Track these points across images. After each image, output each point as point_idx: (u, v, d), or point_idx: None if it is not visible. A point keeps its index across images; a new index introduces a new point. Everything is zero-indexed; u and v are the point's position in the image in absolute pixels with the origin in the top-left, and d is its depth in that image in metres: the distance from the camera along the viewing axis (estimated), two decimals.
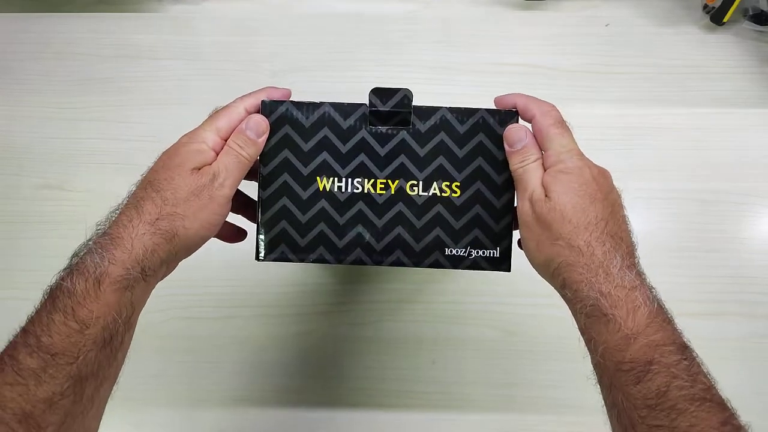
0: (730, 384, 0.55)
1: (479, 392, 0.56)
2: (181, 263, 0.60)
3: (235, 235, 0.44)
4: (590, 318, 0.33)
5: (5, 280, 0.59)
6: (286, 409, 0.55)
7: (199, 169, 0.36)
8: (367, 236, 0.40)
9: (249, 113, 0.39)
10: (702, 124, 0.64)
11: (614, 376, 0.32)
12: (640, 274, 0.34)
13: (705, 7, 0.67)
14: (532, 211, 0.36)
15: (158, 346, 0.57)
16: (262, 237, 0.41)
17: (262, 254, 0.41)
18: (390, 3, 0.70)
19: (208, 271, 0.59)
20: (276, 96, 0.41)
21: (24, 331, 0.32)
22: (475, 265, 0.40)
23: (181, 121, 0.65)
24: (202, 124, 0.39)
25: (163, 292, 0.58)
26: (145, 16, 0.70)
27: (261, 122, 0.39)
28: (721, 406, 0.30)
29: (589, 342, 0.34)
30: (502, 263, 0.40)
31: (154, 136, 0.64)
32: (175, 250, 0.35)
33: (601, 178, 0.37)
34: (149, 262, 0.33)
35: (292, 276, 0.59)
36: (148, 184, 0.36)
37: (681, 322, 0.57)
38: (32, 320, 0.32)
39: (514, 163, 0.38)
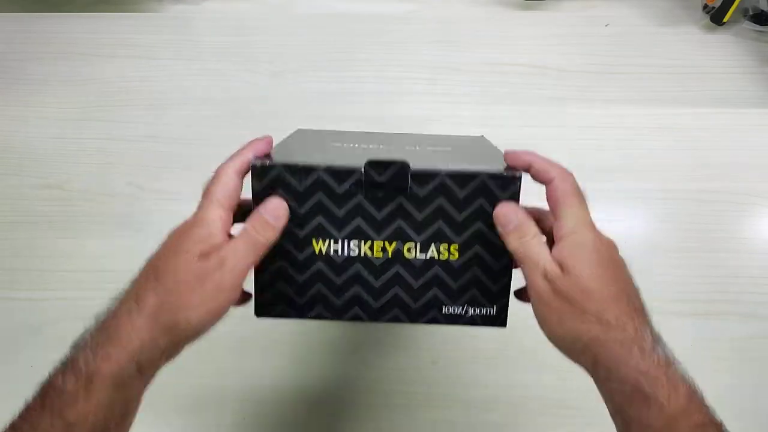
0: (730, 384, 0.55)
1: (479, 393, 0.55)
2: None
3: (239, 300, 0.41)
4: (628, 398, 0.32)
5: (5, 280, 0.59)
6: (285, 408, 0.55)
7: (208, 254, 0.34)
8: (365, 296, 0.40)
9: (241, 176, 0.37)
10: (702, 124, 0.64)
11: None
12: (665, 348, 0.33)
13: (705, 7, 0.67)
14: (550, 289, 0.34)
15: None
16: (260, 297, 0.40)
17: (261, 312, 0.41)
18: (390, 3, 0.70)
19: None
20: (261, 148, 0.39)
21: (12, 427, 0.30)
22: (472, 321, 0.40)
23: (181, 121, 0.65)
24: (201, 202, 0.36)
25: None
26: (145, 16, 0.70)
27: (279, 206, 0.37)
28: None
29: (625, 425, 0.32)
30: (499, 320, 0.40)
31: (154, 136, 0.64)
32: (177, 340, 0.34)
33: (614, 251, 0.36)
34: (147, 355, 0.32)
35: None
36: (151, 271, 0.34)
37: (681, 323, 0.57)
38: (22, 417, 0.31)
39: (512, 242, 0.36)
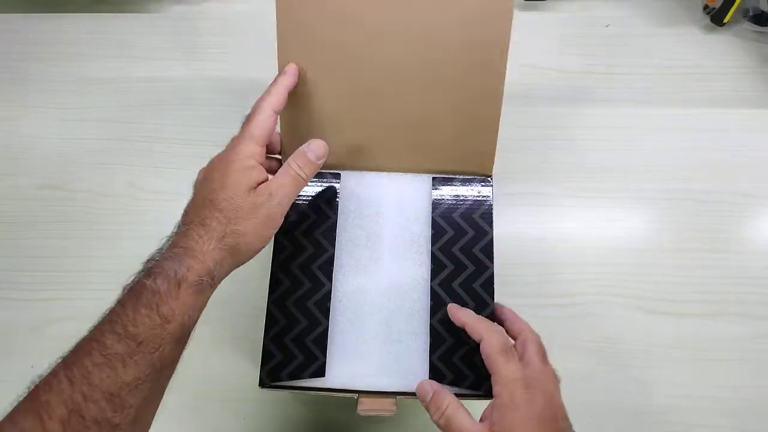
0: (730, 384, 0.55)
1: None
2: None
3: None
4: None
5: (5, 280, 0.59)
6: (285, 407, 0.55)
7: (255, 187, 0.39)
8: None
9: (276, 113, 0.42)
10: (702, 124, 0.64)
11: None
12: None
13: (705, 7, 0.67)
14: None
15: None
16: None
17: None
18: None
19: None
20: (290, 83, 0.44)
21: (110, 320, 0.35)
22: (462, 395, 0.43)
23: (181, 121, 0.65)
24: (239, 136, 0.41)
25: None
26: (145, 16, 0.70)
27: (321, 146, 0.42)
28: None
29: None
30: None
31: (154, 136, 0.64)
32: (238, 261, 0.39)
33: (549, 408, 0.37)
34: (217, 272, 0.37)
35: None
36: (210, 204, 0.38)
37: (681, 323, 0.57)
38: (116, 312, 0.35)
39: (434, 415, 0.39)
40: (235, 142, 0.41)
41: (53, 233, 0.61)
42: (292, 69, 0.44)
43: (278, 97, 0.42)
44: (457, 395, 0.43)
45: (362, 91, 0.47)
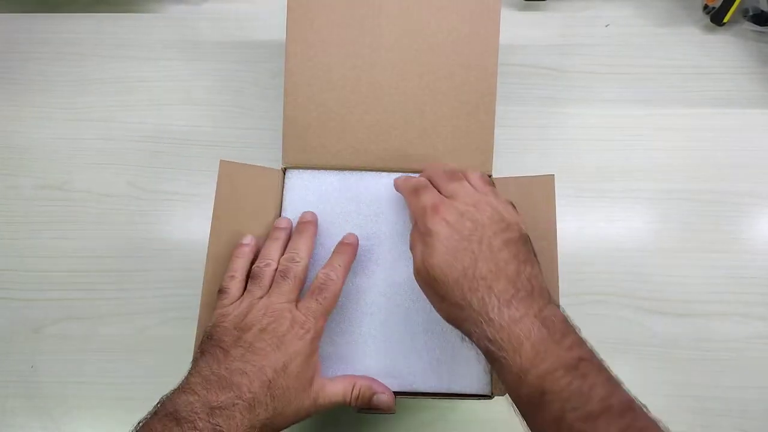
0: (730, 385, 0.55)
1: None
2: (179, 263, 0.60)
3: None
4: (491, 364, 0.35)
5: (5, 280, 0.59)
6: None
7: (312, 392, 0.39)
8: None
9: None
10: (702, 124, 0.64)
11: (519, 409, 0.33)
12: (523, 300, 0.34)
13: (705, 7, 0.67)
14: (421, 281, 0.38)
15: (158, 346, 0.57)
16: None
17: None
18: None
19: None
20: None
21: None
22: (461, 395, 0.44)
23: (181, 121, 0.65)
24: (315, 329, 0.40)
25: (162, 292, 0.58)
26: (145, 16, 0.70)
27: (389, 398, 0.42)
28: (620, 413, 0.30)
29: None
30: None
31: (154, 136, 0.64)
32: None
33: (460, 223, 0.37)
34: None
35: None
36: (269, 386, 0.37)
37: (681, 322, 0.57)
38: None
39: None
40: (311, 331, 0.40)
41: (53, 233, 0.61)
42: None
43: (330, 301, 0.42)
44: (457, 395, 0.43)
45: (363, 92, 0.47)
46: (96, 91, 0.66)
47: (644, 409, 0.31)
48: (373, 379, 0.42)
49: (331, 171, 0.49)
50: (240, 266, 0.43)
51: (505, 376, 0.33)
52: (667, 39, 0.68)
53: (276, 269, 0.42)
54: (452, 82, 0.47)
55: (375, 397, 0.41)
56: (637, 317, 0.57)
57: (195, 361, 0.39)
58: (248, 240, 0.45)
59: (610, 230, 0.60)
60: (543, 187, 0.46)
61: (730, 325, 0.57)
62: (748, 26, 0.67)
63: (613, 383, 0.32)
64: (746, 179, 0.62)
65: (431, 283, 0.36)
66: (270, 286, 0.42)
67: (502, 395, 0.43)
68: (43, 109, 0.66)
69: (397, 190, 0.46)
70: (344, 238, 0.46)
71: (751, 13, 0.67)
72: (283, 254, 0.44)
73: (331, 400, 0.40)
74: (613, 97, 0.65)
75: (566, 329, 0.33)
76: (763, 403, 0.55)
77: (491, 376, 0.44)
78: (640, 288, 0.58)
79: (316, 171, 0.49)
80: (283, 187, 0.49)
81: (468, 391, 0.43)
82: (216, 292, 0.43)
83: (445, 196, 0.40)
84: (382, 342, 0.44)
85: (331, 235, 0.47)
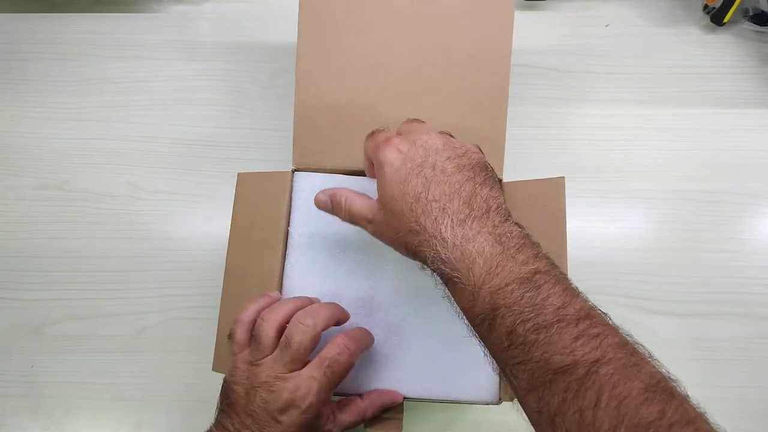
0: (730, 384, 0.55)
1: None
2: (179, 263, 0.60)
3: None
4: (445, 286, 0.34)
5: (5, 280, 0.59)
6: None
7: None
8: None
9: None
10: (702, 124, 0.64)
11: (476, 331, 0.32)
12: (478, 219, 0.33)
13: (705, 7, 0.67)
14: (376, 229, 0.38)
15: (158, 346, 0.57)
16: None
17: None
18: None
19: (208, 272, 0.59)
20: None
21: None
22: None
23: (181, 121, 0.65)
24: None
25: (162, 292, 0.58)
26: (145, 16, 0.70)
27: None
28: (575, 321, 0.29)
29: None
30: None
31: (154, 136, 0.64)
32: None
33: (413, 151, 0.35)
34: None
35: None
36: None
37: (681, 323, 0.57)
38: None
39: (339, 214, 0.40)
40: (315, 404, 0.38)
41: (53, 233, 0.61)
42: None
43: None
44: (460, 401, 0.43)
45: (374, 94, 0.47)
46: (96, 91, 0.66)
47: (604, 317, 0.31)
48: (377, 395, 0.42)
49: (340, 174, 0.48)
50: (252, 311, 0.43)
51: (459, 297, 0.32)
52: (667, 39, 0.68)
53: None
54: (464, 85, 0.47)
55: (384, 401, 0.41)
56: (637, 317, 0.57)
57: (217, 416, 0.41)
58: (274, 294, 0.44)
59: (610, 230, 0.60)
60: (553, 189, 0.45)
61: (730, 325, 0.57)
62: (748, 26, 0.67)
63: (570, 293, 0.31)
64: (746, 179, 0.62)
65: (389, 221, 0.35)
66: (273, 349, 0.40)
67: (510, 401, 0.43)
68: (43, 109, 0.66)
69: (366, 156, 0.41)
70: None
71: (751, 13, 0.67)
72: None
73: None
74: (613, 97, 0.65)
75: (522, 244, 0.32)
76: (763, 403, 0.55)
77: (499, 384, 0.43)
78: (640, 288, 0.58)
79: (326, 174, 0.48)
80: (291, 189, 0.48)
81: (476, 399, 0.43)
82: (233, 299, 0.44)
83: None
84: (389, 347, 0.44)
85: (339, 242, 0.47)
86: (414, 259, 0.36)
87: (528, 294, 0.30)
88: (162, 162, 0.63)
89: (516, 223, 0.33)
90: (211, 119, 0.65)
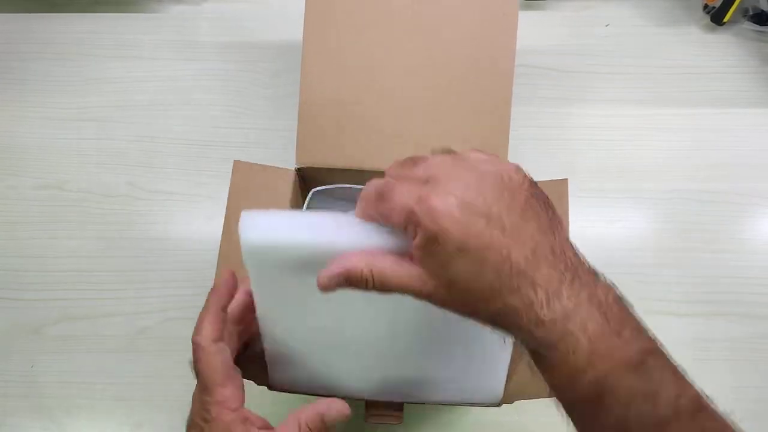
0: (730, 384, 0.55)
1: None
2: (179, 263, 0.60)
3: None
4: (534, 361, 0.29)
5: (5, 280, 0.59)
6: (285, 407, 0.55)
7: None
8: None
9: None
10: (702, 124, 0.64)
11: (573, 417, 0.29)
12: (572, 285, 0.28)
13: (705, 7, 0.67)
14: (436, 304, 0.30)
15: (158, 346, 0.57)
16: None
17: None
18: None
19: (208, 272, 0.58)
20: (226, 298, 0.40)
21: None
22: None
23: (181, 121, 0.65)
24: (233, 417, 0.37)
25: (162, 292, 0.58)
26: (144, 16, 0.70)
27: (341, 411, 0.37)
28: (691, 415, 0.26)
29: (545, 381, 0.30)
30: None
31: (154, 136, 0.64)
32: None
33: (465, 206, 0.27)
34: None
35: None
36: None
37: (681, 322, 0.57)
38: None
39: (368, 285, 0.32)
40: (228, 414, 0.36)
41: (53, 233, 0.61)
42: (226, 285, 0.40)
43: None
44: (461, 404, 0.43)
45: (377, 94, 0.48)
46: (95, 91, 0.66)
47: (712, 405, 0.27)
48: (317, 403, 0.37)
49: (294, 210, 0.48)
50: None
51: (552, 377, 0.28)
52: (667, 39, 0.68)
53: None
54: (467, 85, 0.47)
55: (324, 417, 0.36)
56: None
57: None
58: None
59: (610, 230, 0.60)
60: (556, 191, 0.45)
61: (730, 325, 0.57)
62: (748, 26, 0.67)
63: (679, 378, 0.27)
64: (746, 179, 0.62)
65: (456, 298, 0.28)
66: None
67: (510, 403, 0.43)
68: (43, 109, 0.66)
69: (362, 216, 0.32)
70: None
71: (751, 13, 0.67)
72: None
73: None
74: (613, 97, 0.65)
75: (624, 314, 0.28)
76: (762, 402, 0.55)
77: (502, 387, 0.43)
78: (640, 288, 0.58)
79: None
80: (295, 188, 0.48)
81: (477, 402, 0.43)
82: None
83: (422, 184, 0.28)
84: (390, 354, 0.44)
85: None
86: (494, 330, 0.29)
87: (640, 382, 0.26)
88: (162, 162, 0.63)
89: (603, 277, 0.29)
90: (211, 119, 0.65)
